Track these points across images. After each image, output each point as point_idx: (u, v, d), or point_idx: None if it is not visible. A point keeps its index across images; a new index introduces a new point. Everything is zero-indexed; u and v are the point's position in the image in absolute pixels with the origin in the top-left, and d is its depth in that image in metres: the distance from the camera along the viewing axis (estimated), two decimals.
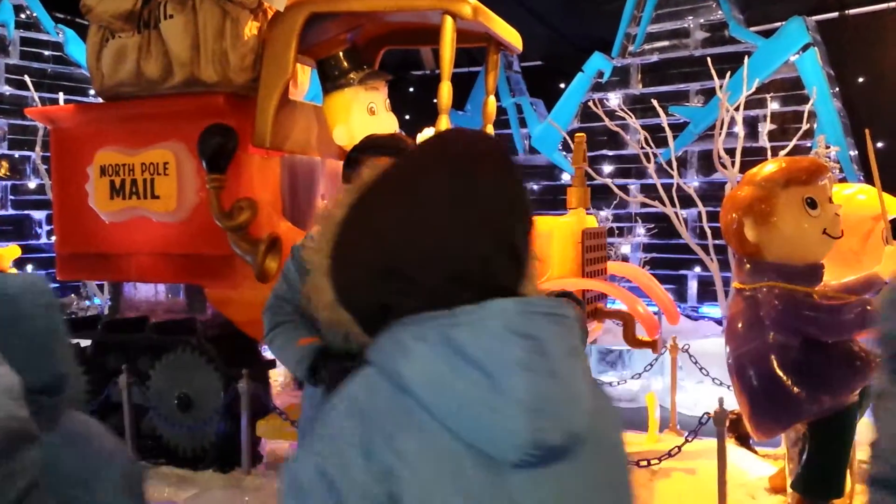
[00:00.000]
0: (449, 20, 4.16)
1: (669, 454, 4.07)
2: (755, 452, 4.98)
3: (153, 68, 4.66)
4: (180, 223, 4.68)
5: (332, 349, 2.92)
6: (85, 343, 5.27)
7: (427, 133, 4.66)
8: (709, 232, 9.86)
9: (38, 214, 12.62)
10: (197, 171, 4.58)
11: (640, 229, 12.22)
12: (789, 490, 3.57)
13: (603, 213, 12.28)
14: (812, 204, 3.42)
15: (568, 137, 11.82)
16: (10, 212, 12.47)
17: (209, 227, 4.51)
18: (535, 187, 14.31)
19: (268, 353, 5.26)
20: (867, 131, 3.68)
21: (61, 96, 11.08)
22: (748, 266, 3.54)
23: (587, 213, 5.42)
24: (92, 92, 10.84)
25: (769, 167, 3.63)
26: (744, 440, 4.99)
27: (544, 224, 4.74)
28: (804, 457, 3.38)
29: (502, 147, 1.07)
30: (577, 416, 0.96)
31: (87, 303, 11.24)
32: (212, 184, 4.39)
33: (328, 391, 2.87)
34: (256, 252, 4.38)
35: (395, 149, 3.12)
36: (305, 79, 5.51)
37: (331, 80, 4.55)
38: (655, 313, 5.16)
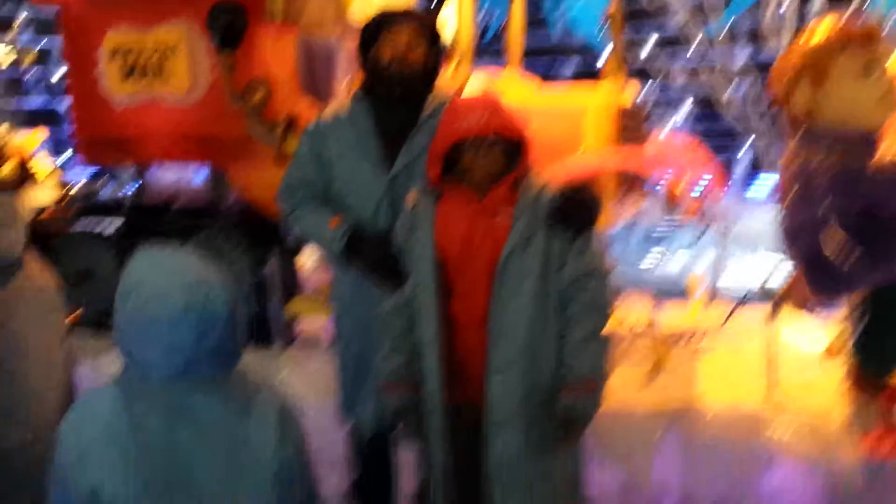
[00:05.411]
0: None
1: (721, 324, 4.00)
2: (806, 324, 4.82)
3: None
4: (195, 104, 4.54)
5: (364, 229, 2.75)
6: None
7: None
8: (755, 110, 9.48)
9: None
10: (208, 49, 4.38)
11: (683, 108, 11.82)
12: (846, 356, 3.44)
13: (643, 91, 11.88)
14: (869, 68, 3.16)
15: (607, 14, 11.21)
16: (41, 100, 12.47)
17: (225, 108, 4.35)
18: (570, 70, 13.83)
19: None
20: None
21: None
22: (801, 134, 3.32)
23: (625, 88, 5.11)
24: None
25: (825, 30, 3.35)
26: (796, 310, 4.82)
27: (578, 99, 4.51)
28: (864, 325, 3.25)
29: None
30: None
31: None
32: (224, 62, 4.20)
33: (366, 270, 2.72)
34: (274, 134, 4.22)
35: (412, 21, 2.85)
36: None
37: None
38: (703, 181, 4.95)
